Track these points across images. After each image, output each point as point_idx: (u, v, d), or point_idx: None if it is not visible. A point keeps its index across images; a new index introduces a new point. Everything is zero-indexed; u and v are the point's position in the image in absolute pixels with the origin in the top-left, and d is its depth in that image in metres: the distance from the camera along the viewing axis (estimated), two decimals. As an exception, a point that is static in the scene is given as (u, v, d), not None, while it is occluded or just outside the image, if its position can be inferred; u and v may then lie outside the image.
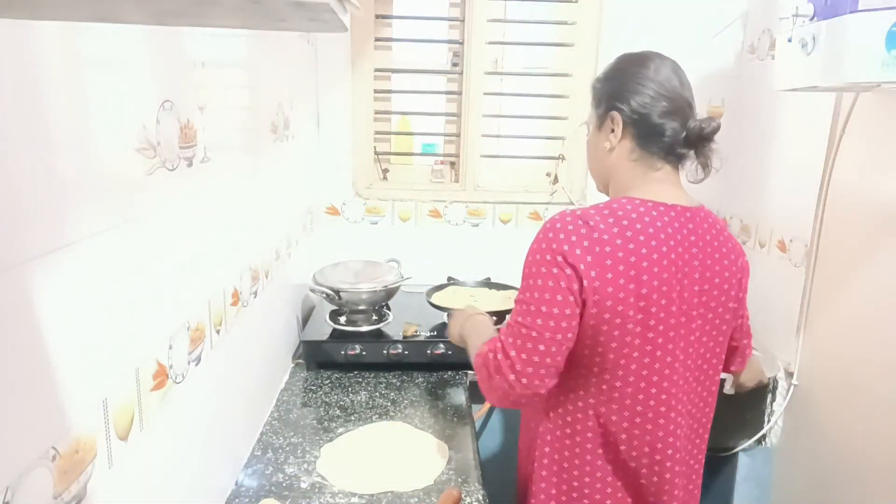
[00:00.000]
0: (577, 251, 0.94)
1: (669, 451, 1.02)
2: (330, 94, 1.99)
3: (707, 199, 2.11)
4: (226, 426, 1.11)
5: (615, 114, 1.06)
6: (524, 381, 0.96)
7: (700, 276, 1.00)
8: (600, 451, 1.03)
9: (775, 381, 1.68)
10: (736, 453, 1.74)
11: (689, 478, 1.09)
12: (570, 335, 0.96)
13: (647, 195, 1.01)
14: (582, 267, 0.93)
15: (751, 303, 1.89)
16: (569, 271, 0.94)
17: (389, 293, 1.73)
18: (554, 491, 1.06)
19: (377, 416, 1.39)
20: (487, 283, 1.95)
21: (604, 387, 1.00)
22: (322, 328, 1.69)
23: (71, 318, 0.61)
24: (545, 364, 0.96)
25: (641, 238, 0.95)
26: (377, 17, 1.98)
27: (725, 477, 1.80)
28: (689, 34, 1.95)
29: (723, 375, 1.57)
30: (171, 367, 0.85)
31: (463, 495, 1.11)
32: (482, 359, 1.04)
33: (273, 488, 1.13)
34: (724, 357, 1.10)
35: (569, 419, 1.04)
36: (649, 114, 1.03)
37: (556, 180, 2.14)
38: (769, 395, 1.70)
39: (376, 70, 2.02)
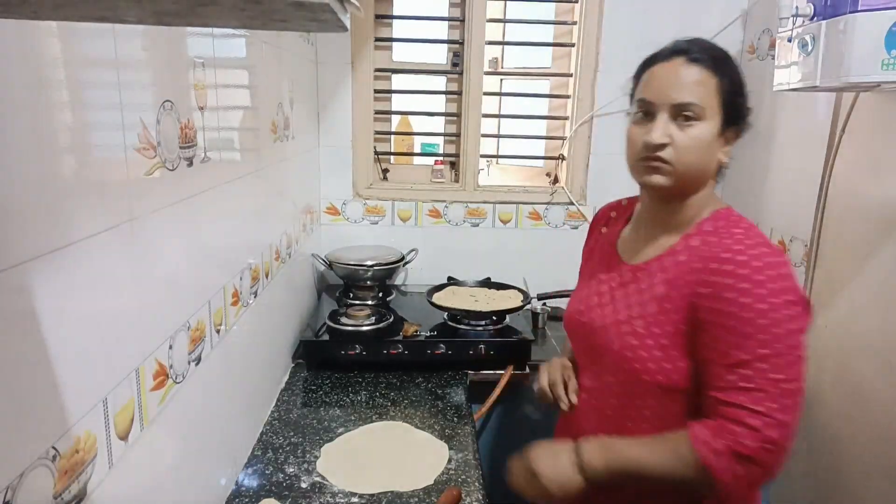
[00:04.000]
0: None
1: None
2: (330, 94, 1.99)
3: (707, 199, 2.11)
4: (226, 426, 1.11)
5: (743, 125, 0.96)
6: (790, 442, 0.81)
7: None
8: None
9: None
10: (736, 453, 1.74)
11: None
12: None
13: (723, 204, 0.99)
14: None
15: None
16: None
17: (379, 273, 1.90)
18: None
19: (377, 416, 1.39)
20: (487, 283, 1.95)
21: None
22: (322, 328, 1.69)
23: (71, 317, 0.61)
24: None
25: None
26: (377, 17, 1.98)
27: (725, 477, 1.80)
28: (688, 34, 1.94)
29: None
30: (171, 366, 0.85)
31: (463, 495, 1.11)
32: (727, 456, 0.81)
33: (273, 488, 1.13)
34: None
35: None
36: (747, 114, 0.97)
37: (556, 180, 2.14)
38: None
39: (376, 70, 2.02)
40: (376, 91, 2.03)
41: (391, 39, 2.04)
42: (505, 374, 1.61)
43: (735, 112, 0.95)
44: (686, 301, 0.89)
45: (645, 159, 0.93)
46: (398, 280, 2.13)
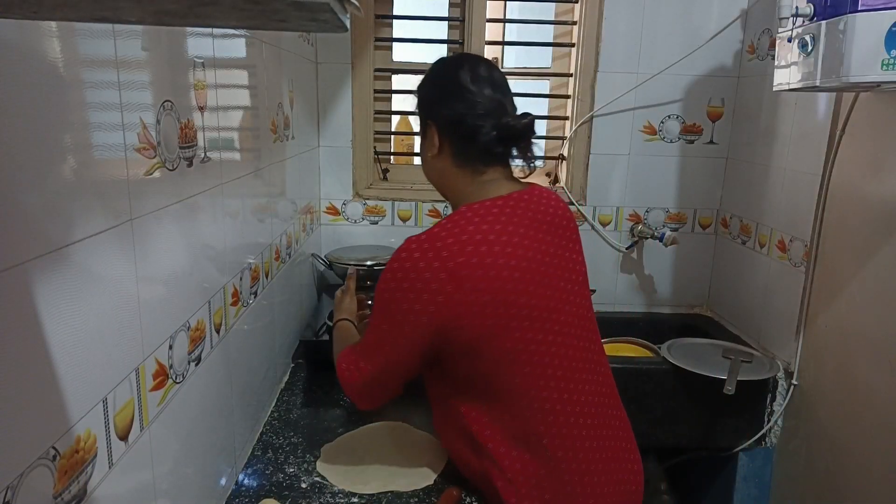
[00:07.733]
0: (438, 283, 0.96)
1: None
2: (330, 94, 1.99)
3: (707, 199, 2.13)
4: (226, 426, 1.11)
5: (430, 122, 1.09)
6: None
7: (554, 249, 1.03)
8: None
9: (775, 381, 1.68)
10: (736, 453, 1.74)
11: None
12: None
13: (481, 197, 1.03)
14: (443, 297, 0.95)
15: (750, 303, 1.90)
16: (430, 304, 0.97)
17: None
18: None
19: (377, 416, 1.39)
20: (487, 283, 1.95)
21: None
22: (322, 328, 1.69)
23: (71, 317, 0.61)
24: (387, 386, 1.09)
25: (492, 237, 0.97)
26: (377, 17, 1.98)
27: (725, 477, 1.80)
28: (688, 34, 1.95)
29: (723, 376, 1.58)
30: (171, 366, 0.85)
31: (463, 495, 1.11)
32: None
33: (273, 488, 1.13)
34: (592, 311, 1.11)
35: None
36: (461, 119, 1.05)
37: (556, 180, 2.14)
38: (769, 395, 1.70)
39: (376, 70, 2.02)
40: (376, 91, 2.03)
41: (391, 39, 2.04)
42: (505, 374, 1.61)
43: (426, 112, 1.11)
44: None
45: None
46: (398, 280, 2.12)
